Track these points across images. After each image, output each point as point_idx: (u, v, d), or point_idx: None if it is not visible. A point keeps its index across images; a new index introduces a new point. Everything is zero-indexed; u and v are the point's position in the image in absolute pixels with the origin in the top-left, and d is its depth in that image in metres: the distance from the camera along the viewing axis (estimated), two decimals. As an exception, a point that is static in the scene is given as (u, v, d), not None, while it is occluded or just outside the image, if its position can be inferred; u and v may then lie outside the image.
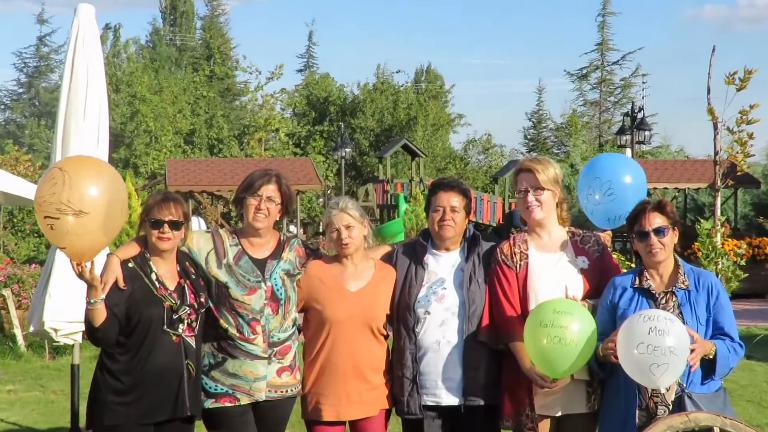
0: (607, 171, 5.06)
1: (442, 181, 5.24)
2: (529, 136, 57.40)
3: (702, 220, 12.80)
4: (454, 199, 4.97)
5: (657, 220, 4.56)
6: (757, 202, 29.30)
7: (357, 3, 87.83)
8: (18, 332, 13.50)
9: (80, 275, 4.36)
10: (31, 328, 7.94)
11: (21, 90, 53.81)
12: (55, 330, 7.65)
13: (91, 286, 4.39)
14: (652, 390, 4.41)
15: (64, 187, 4.16)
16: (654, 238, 4.53)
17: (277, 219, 5.04)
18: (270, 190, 4.92)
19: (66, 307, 7.45)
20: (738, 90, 11.30)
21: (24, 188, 17.87)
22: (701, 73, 12.06)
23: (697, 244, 12.36)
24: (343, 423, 5.02)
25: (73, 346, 8.13)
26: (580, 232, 5.03)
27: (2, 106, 53.41)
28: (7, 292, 13.89)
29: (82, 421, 7.11)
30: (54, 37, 53.73)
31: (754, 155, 11.82)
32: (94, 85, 7.70)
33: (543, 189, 4.84)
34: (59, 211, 4.12)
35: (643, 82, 54.45)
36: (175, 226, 4.71)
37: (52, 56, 53.49)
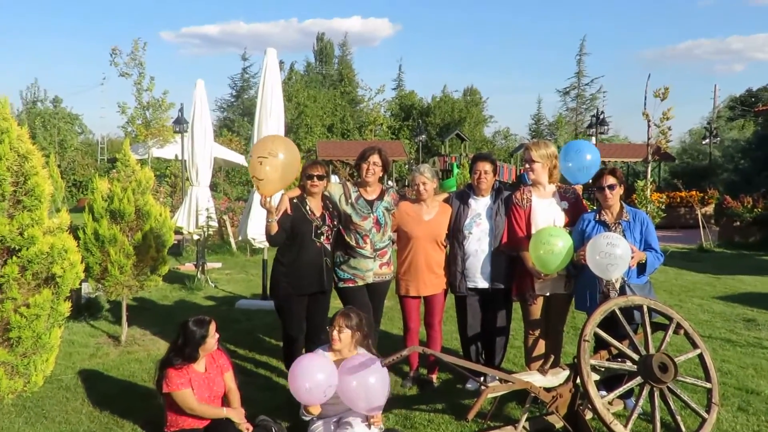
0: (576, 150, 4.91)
1: (479, 154, 5.16)
2: (532, 129, 56.33)
3: (638, 181, 12.59)
4: (486, 166, 4.90)
5: (610, 180, 4.48)
6: (672, 170, 28.53)
7: (427, 47, 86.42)
8: (232, 240, 13.85)
9: (263, 205, 4.44)
10: (240, 238, 8.14)
11: (232, 99, 54.46)
12: (254, 239, 7.84)
13: (269, 212, 4.46)
14: (607, 281, 4.33)
15: (275, 142, 4.41)
16: (607, 191, 4.47)
17: (381, 176, 4.97)
18: (375, 157, 4.86)
19: (260, 226, 7.60)
20: (662, 100, 11.11)
21: (235, 157, 18.26)
22: (640, 89, 11.80)
23: (634, 195, 12.19)
24: (420, 297, 5.04)
25: (263, 248, 8.31)
26: (564, 186, 4.90)
27: (222, 109, 54.16)
28: (226, 217, 14.23)
29: (269, 292, 7.27)
30: (251, 68, 54.07)
31: (671, 141, 11.58)
32: (276, 96, 7.77)
33: (534, 161, 4.74)
34: (269, 154, 4.28)
35: (604, 96, 54.26)
36: (320, 178, 4.73)
37: (250, 79, 53.81)
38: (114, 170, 6.11)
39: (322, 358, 3.85)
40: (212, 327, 4.02)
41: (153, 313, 7.66)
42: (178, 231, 9.46)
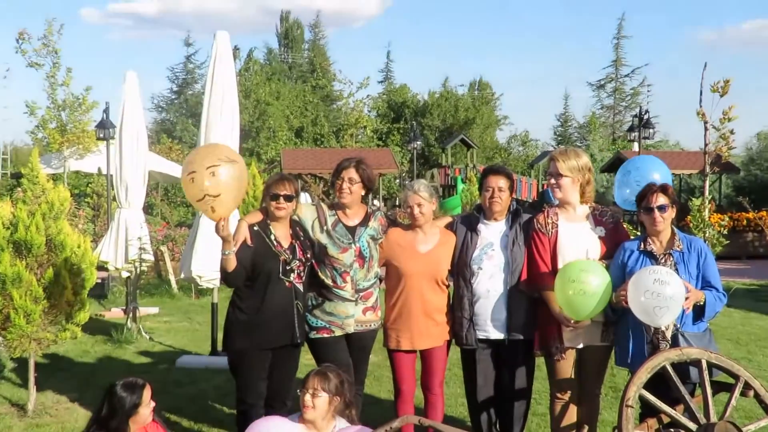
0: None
1: (492, 167, 5.19)
2: (557, 133, 56.93)
3: (693, 199, 12.69)
4: (500, 181, 4.91)
5: (661, 199, 4.49)
6: (737, 185, 28.95)
7: (423, 29, 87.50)
8: (172, 278, 13.82)
9: (218, 231, 4.43)
10: (182, 275, 8.13)
11: (173, 96, 54.58)
12: (200, 277, 7.83)
13: (225, 241, 4.46)
14: (655, 328, 4.34)
15: (218, 149, 4.46)
16: (657, 213, 4.48)
17: (363, 194, 4.99)
18: (350, 172, 4.88)
19: (208, 260, 7.62)
20: (721, 96, 11.19)
21: (176, 170, 18.26)
22: (693, 82, 11.90)
23: (689, 217, 12.27)
24: (415, 351, 5.04)
25: (213, 289, 8.29)
26: (600, 207, 4.94)
27: (159, 109, 54.33)
28: (164, 248, 14.21)
29: (219, 346, 7.25)
30: (197, 55, 54.48)
31: (735, 147, 11.64)
32: (229, 92, 7.84)
33: (562, 176, 4.77)
34: (219, 160, 4.27)
35: (648, 91, 54.72)
36: (288, 199, 4.74)
37: (196, 71, 54.13)
38: (19, 188, 6.10)
39: (289, 423, 3.85)
40: (146, 393, 4.00)
41: (69, 374, 7.59)
42: (102, 267, 9.40)
